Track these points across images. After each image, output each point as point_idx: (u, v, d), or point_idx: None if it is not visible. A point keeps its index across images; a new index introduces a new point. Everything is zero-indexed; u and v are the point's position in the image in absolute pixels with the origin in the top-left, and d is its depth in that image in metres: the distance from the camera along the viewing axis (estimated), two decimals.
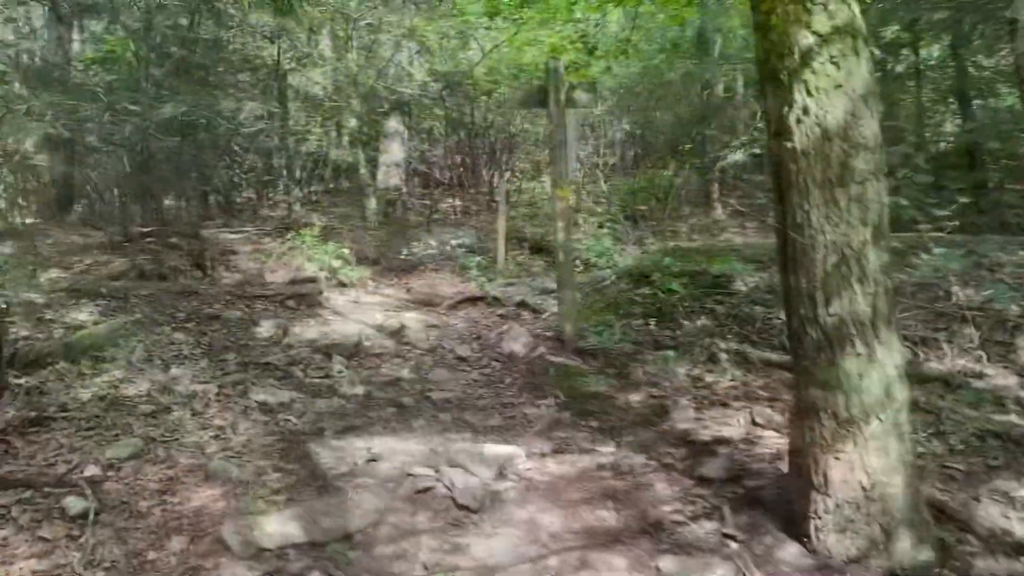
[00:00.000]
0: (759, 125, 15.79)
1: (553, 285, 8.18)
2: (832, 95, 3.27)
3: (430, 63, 14.38)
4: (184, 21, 13.99)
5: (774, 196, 3.63)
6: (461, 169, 15.63)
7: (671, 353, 5.85)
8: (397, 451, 4.55)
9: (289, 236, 13.87)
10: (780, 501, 3.72)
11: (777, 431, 4.84)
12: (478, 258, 13.03)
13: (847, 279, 3.28)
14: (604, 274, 7.94)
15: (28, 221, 14.98)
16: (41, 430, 4.77)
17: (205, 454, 4.60)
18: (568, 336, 6.23)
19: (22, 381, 5.35)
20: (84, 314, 6.62)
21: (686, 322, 6.50)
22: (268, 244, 14.63)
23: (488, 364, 6.29)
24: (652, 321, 6.57)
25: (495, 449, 4.43)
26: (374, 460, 4.47)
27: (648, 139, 15.86)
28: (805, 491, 3.42)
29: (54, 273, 13.94)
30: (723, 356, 6.00)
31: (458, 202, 15.80)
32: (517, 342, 6.44)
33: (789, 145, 3.37)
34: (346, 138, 15.23)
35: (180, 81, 14.30)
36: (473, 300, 7.92)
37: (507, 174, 16.08)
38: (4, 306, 6.63)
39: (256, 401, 5.42)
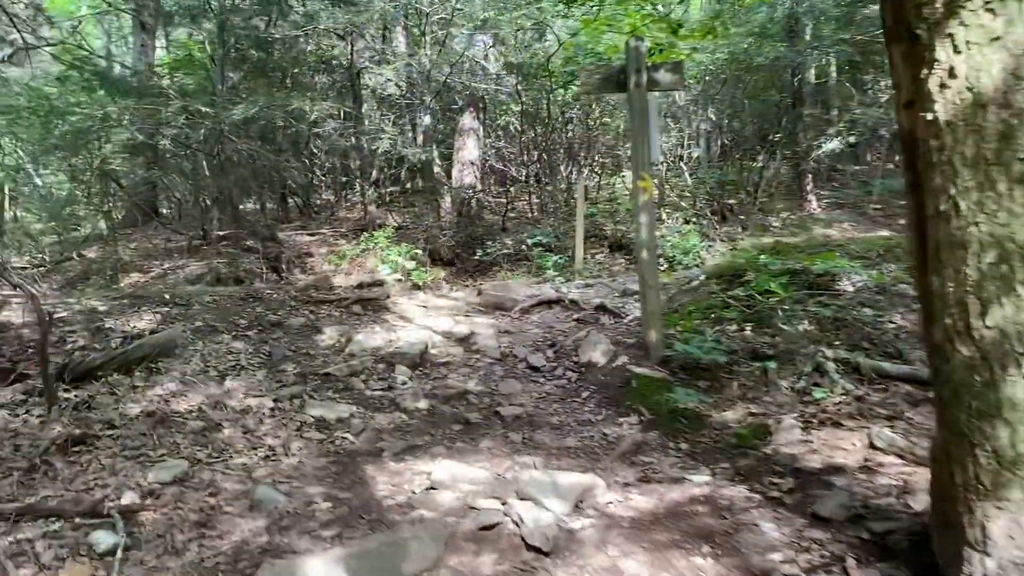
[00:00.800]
0: (856, 111, 14.77)
1: (635, 286, 7.56)
2: (987, 51, 2.59)
3: (505, 56, 13.90)
4: (259, 23, 13.91)
5: (906, 180, 2.96)
6: (538, 165, 15.09)
7: (771, 364, 5.17)
8: (460, 478, 4.04)
9: (363, 237, 13.64)
10: (918, 553, 3.05)
11: (901, 457, 4.13)
12: (555, 257, 12.48)
13: (1009, 281, 2.60)
14: (692, 273, 7.27)
15: (112, 226, 15.21)
16: (84, 450, 4.46)
17: (252, 478, 4.20)
18: (653, 344, 5.62)
19: (72, 395, 5.08)
20: (144, 322, 6.37)
21: (786, 327, 5.79)
22: (343, 246, 14.44)
23: (563, 375, 5.74)
24: (748, 326, 5.89)
25: (570, 478, 3.87)
26: (434, 488, 3.97)
27: (735, 129, 14.96)
28: (955, 546, 2.75)
29: (135, 276, 14.12)
30: (831, 366, 5.28)
31: (535, 199, 15.28)
32: (596, 350, 5.86)
33: (929, 117, 2.70)
34: (420, 136, 14.90)
35: (256, 83, 14.25)
36: (548, 303, 7.37)
37: (585, 170, 15.46)
38: (63, 313, 6.45)
39: (312, 416, 5.01)
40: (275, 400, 5.16)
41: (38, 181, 16.60)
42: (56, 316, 6.37)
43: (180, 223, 15.74)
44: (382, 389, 5.52)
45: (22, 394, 5.17)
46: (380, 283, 7.84)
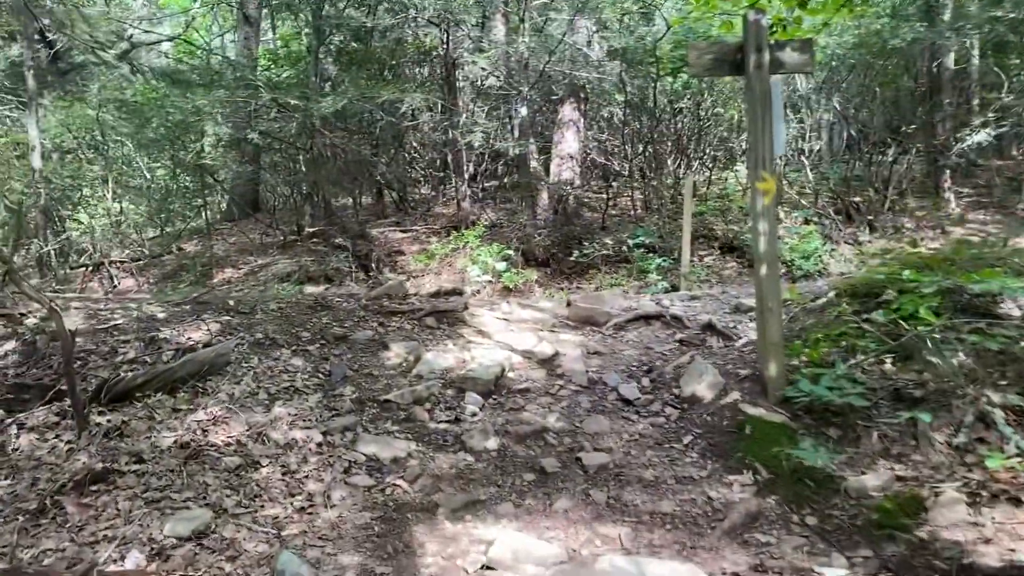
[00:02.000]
0: (1006, 99, 13.07)
1: (749, 301, 6.56)
2: None
3: (608, 41, 12.95)
4: (356, 12, 13.47)
5: None
6: (642, 159, 14.08)
7: (925, 415, 4.11)
8: (525, 555, 3.24)
9: (453, 236, 13.02)
10: None
11: None
12: (659, 260, 11.51)
13: None
14: (818, 288, 6.21)
15: (208, 221, 15.16)
16: (104, 488, 3.91)
17: (281, 537, 3.53)
18: (772, 379, 4.66)
19: (106, 419, 4.56)
20: (201, 332, 5.85)
21: (938, 361, 4.70)
22: (435, 244, 13.87)
23: (661, 411, 4.85)
24: (888, 359, 4.83)
25: (663, 569, 3.01)
26: (491, 568, 3.19)
27: (863, 120, 13.50)
28: None
29: (227, 272, 13.97)
30: (998, 416, 4.20)
31: (638, 196, 14.28)
32: (701, 382, 4.93)
33: None
34: (516, 129, 14.14)
35: (353, 75, 13.82)
36: (647, 319, 6.47)
37: (695, 164, 14.35)
38: (119, 321, 6.02)
39: (364, 454, 4.32)
40: (324, 433, 4.49)
41: (147, 174, 16.78)
42: (111, 324, 5.94)
43: (276, 218, 15.55)
44: (448, 421, 4.78)
45: (56, 415, 4.69)
46: (458, 292, 7.10)
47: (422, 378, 5.31)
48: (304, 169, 14.42)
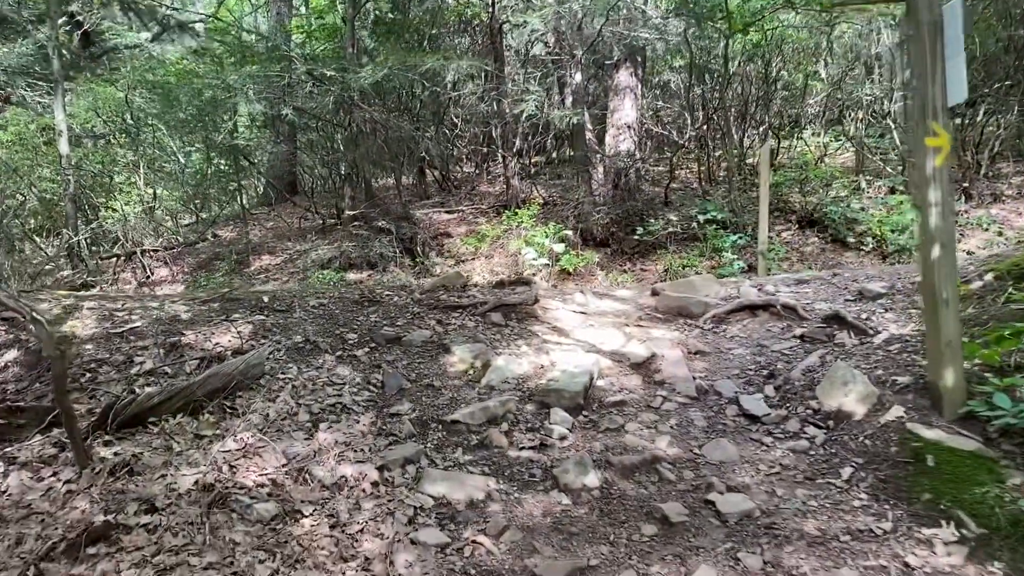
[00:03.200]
0: None
1: (872, 284, 5.50)
2: None
3: None
4: None
5: None
6: (707, 127, 12.92)
7: None
8: None
9: (504, 216, 12.06)
10: None
11: None
12: (733, 237, 10.42)
13: None
14: (964, 270, 5.12)
15: (243, 205, 14.38)
16: (103, 552, 3.04)
17: None
18: (948, 390, 3.62)
19: (112, 452, 3.70)
20: (231, 336, 4.98)
21: None
22: (483, 225, 12.93)
23: (801, 432, 3.84)
24: None
25: None
26: None
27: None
28: None
29: (264, 259, 13.19)
30: None
31: (702, 167, 13.15)
32: (847, 392, 3.91)
33: None
34: (569, 97, 13.08)
35: (391, 46, 12.86)
36: (751, 309, 5.44)
37: (770, 132, 13.14)
38: (138, 323, 5.17)
39: (432, 497, 3.40)
40: (381, 468, 3.57)
41: (180, 159, 16.06)
42: (128, 328, 5.09)
43: (315, 201, 14.72)
44: (532, 448, 3.83)
45: (54, 446, 3.85)
46: (526, 281, 6.13)
47: (494, 389, 4.37)
48: (342, 147, 13.53)
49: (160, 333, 4.99)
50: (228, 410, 4.11)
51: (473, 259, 11.41)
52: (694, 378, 4.52)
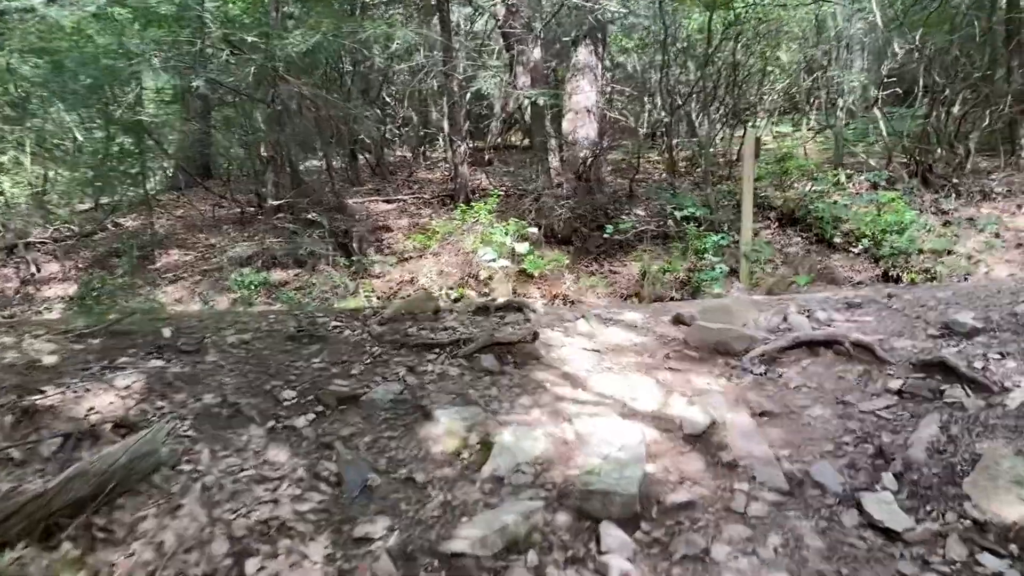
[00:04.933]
0: None
1: (961, 314, 4.34)
2: None
3: None
4: None
5: None
6: (680, 112, 11.74)
7: None
8: None
9: (456, 209, 10.64)
10: None
11: None
12: (715, 237, 9.27)
13: None
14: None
15: (146, 191, 12.52)
16: None
17: None
18: None
19: None
20: (115, 394, 3.48)
21: None
22: (428, 217, 11.49)
23: (973, 561, 2.61)
24: None
25: None
26: None
27: (944, 63, 11.24)
28: None
29: (173, 255, 11.43)
30: None
31: (665, 157, 11.99)
32: (1017, 495, 2.72)
33: None
34: (523, 77, 11.71)
35: (318, 10, 11.20)
36: (810, 346, 4.24)
37: (756, 118, 12.04)
38: None
39: None
40: None
41: (78, 136, 14.01)
42: None
43: (232, 187, 12.96)
44: None
45: None
46: (517, 305, 4.74)
47: (504, 485, 3.02)
48: (265, 127, 11.82)
49: (9, 390, 3.45)
50: (101, 534, 2.65)
51: (419, 257, 9.97)
52: (777, 458, 3.26)
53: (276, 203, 11.11)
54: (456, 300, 9.12)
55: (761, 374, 4.12)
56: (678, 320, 4.73)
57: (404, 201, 12.14)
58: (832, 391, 3.85)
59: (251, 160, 13.69)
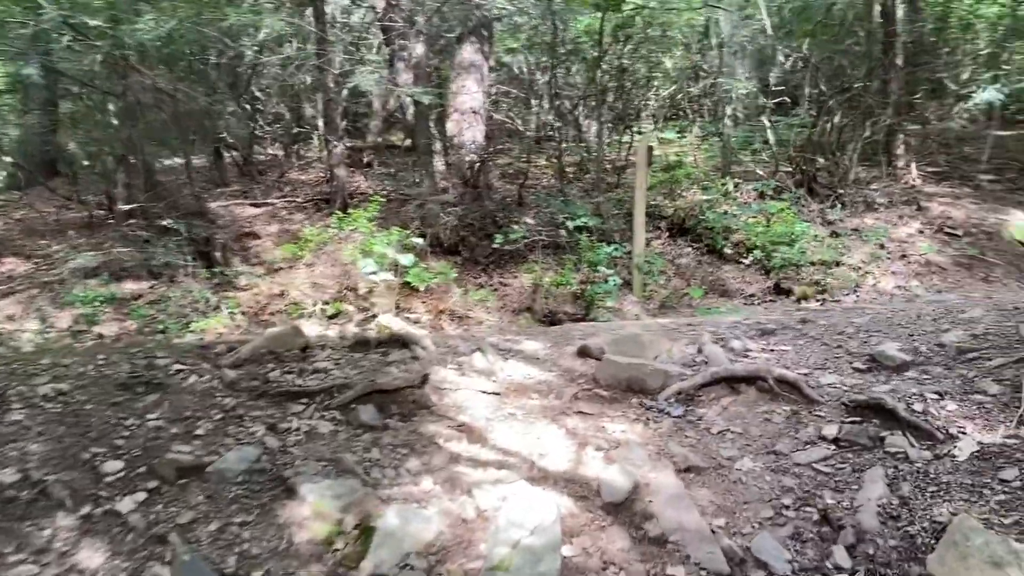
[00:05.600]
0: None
1: (879, 344, 4.02)
2: None
3: None
4: None
5: None
6: (571, 116, 11.35)
7: None
8: None
9: (332, 215, 9.84)
10: None
11: None
12: (608, 248, 8.90)
13: None
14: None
15: None
16: None
17: None
18: None
19: None
20: None
21: None
22: (300, 224, 10.61)
23: None
24: None
25: None
26: None
27: (833, 71, 11.30)
28: None
29: (8, 263, 10.08)
30: None
31: (553, 163, 11.58)
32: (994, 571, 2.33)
33: None
34: (404, 75, 11.02)
35: None
36: (730, 382, 3.82)
37: (647, 124, 11.75)
38: None
39: None
40: None
41: None
42: None
43: (79, 188, 11.62)
44: None
45: None
46: (404, 340, 4.07)
47: None
48: (116, 121, 10.61)
49: None
50: None
51: (291, 268, 9.11)
52: (712, 530, 2.77)
53: (128, 207, 9.96)
54: (332, 316, 8.37)
55: (680, 416, 3.65)
56: (584, 352, 4.21)
57: (274, 205, 11.20)
58: (760, 437, 3.42)
59: (101, 158, 12.37)
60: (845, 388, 3.67)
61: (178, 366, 3.60)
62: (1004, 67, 10.56)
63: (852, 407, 3.48)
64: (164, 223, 9.50)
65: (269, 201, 11.45)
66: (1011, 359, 3.51)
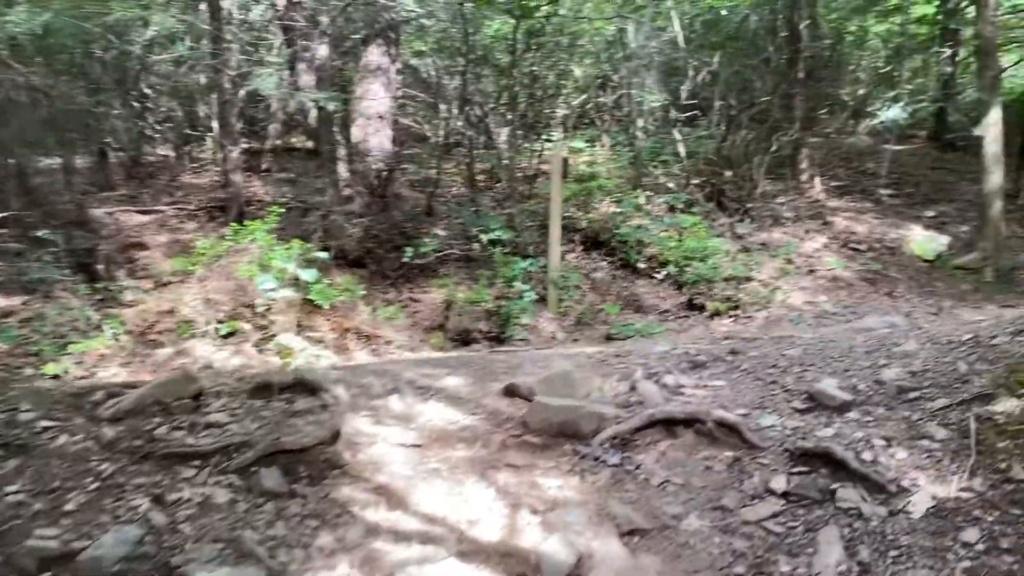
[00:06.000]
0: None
1: (818, 382, 3.87)
2: None
3: None
4: None
5: None
6: (484, 123, 11.03)
7: None
8: None
9: (228, 224, 9.21)
10: None
11: None
12: (524, 263, 8.63)
13: None
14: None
15: None
16: None
17: None
18: None
19: None
20: None
21: None
22: (193, 232, 9.93)
23: None
24: None
25: None
26: None
27: (745, 85, 11.34)
28: None
29: None
30: None
31: (463, 171, 11.24)
32: None
33: None
34: (305, 76, 10.47)
35: None
36: (667, 425, 3.57)
37: (561, 133, 11.51)
38: None
39: None
40: None
41: None
42: None
43: None
44: None
45: None
46: (311, 385, 3.63)
47: None
48: None
49: None
50: None
51: (182, 283, 8.42)
52: None
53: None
54: (227, 336, 7.78)
55: (617, 465, 3.38)
56: (512, 392, 3.90)
57: (164, 212, 10.44)
58: (704, 489, 3.19)
59: None
60: (787, 432, 3.48)
61: (46, 422, 3.08)
62: (905, 86, 10.83)
63: (798, 455, 3.29)
64: (38, 234, 8.67)
65: (158, 208, 10.67)
66: (954, 400, 3.39)
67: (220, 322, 7.81)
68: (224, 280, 8.34)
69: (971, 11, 13.06)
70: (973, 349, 3.77)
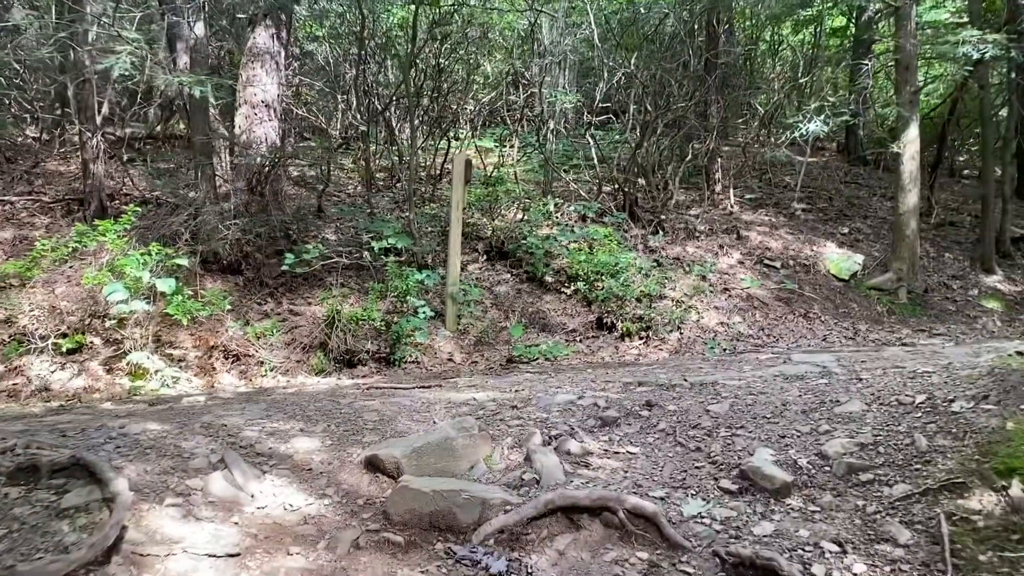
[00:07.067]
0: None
1: (753, 456, 3.21)
2: None
3: None
4: None
5: None
6: (368, 118, 10.12)
7: None
8: None
9: (84, 219, 8.07)
10: None
11: None
12: (420, 275, 7.80)
13: None
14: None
15: None
16: None
17: None
18: None
19: None
20: None
21: None
22: (44, 228, 8.71)
23: None
24: None
25: None
26: None
27: (653, 89, 10.73)
28: None
29: None
30: None
31: (360, 168, 10.30)
32: None
33: None
34: (185, 56, 9.37)
35: None
36: (568, 514, 2.85)
37: (466, 132, 10.70)
38: None
39: None
40: None
41: None
42: None
43: None
44: None
45: None
46: (89, 469, 2.69)
47: None
48: None
49: None
50: None
51: (21, 289, 7.25)
52: None
53: None
54: (72, 352, 6.71)
55: (502, 574, 2.62)
56: (374, 465, 3.09)
57: (13, 204, 9.14)
58: None
59: None
60: (717, 526, 2.79)
61: None
62: (828, 99, 10.46)
63: (731, 564, 2.59)
64: None
65: (7, 199, 9.35)
66: (917, 489, 2.77)
67: (64, 335, 6.72)
68: (74, 285, 7.23)
69: (885, 26, 12.99)
70: (930, 417, 3.17)
